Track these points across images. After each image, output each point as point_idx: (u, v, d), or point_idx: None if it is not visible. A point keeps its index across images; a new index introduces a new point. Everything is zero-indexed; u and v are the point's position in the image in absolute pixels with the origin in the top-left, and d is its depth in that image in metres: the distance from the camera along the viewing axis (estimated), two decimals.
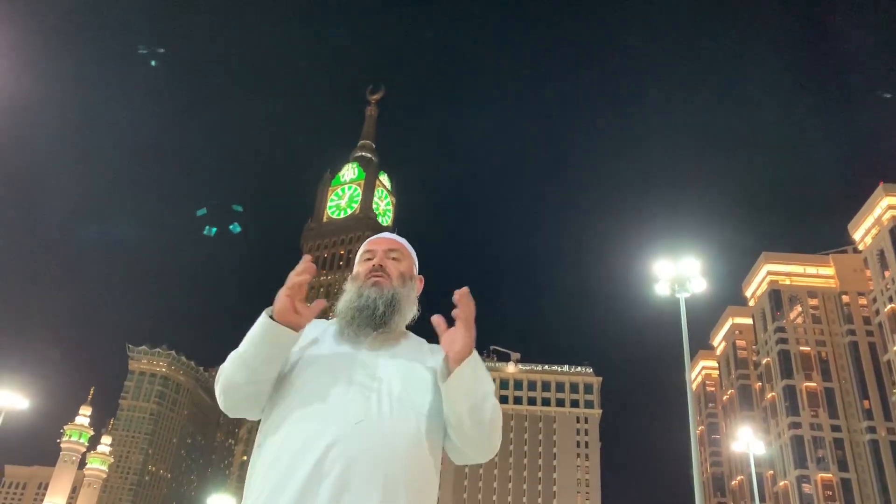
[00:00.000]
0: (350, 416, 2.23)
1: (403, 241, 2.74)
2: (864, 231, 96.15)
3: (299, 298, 2.29)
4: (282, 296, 2.27)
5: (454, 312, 2.27)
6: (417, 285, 2.68)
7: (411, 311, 2.58)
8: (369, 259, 2.63)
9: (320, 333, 2.54)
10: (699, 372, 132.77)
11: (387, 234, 2.74)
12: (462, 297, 2.27)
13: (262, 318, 2.28)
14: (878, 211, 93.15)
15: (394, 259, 2.62)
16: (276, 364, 2.33)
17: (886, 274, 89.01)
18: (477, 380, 2.29)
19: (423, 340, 2.65)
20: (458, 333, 2.27)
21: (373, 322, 2.45)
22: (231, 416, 2.54)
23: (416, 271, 2.71)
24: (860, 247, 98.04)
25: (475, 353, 2.29)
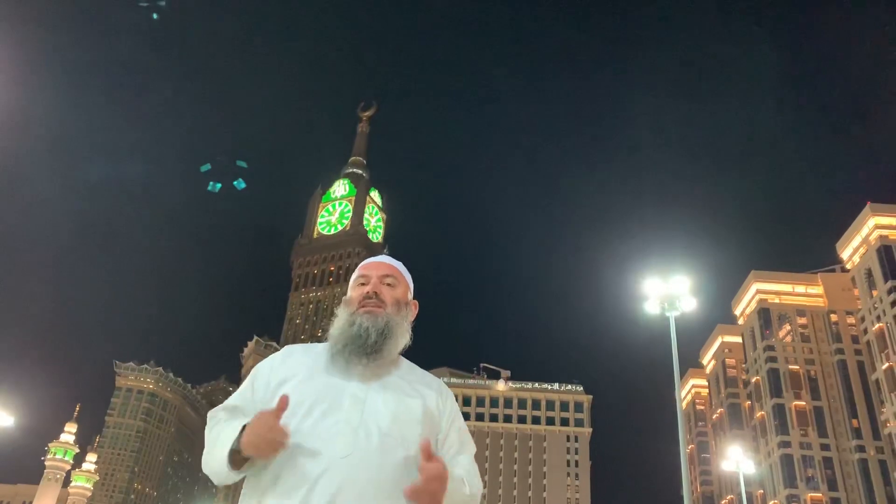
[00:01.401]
0: (338, 450, 2.22)
1: (399, 265, 2.69)
2: (851, 250, 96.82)
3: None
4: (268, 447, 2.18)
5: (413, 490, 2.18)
6: (412, 311, 2.64)
7: (404, 337, 2.53)
8: (363, 284, 2.58)
9: (311, 361, 2.49)
10: (689, 390, 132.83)
11: (383, 258, 2.69)
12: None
13: (227, 469, 2.22)
14: (865, 230, 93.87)
15: (389, 285, 2.57)
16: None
17: (874, 293, 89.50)
18: None
19: (416, 367, 2.62)
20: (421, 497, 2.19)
21: (364, 350, 2.41)
22: None
23: (411, 296, 2.67)
24: (848, 266, 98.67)
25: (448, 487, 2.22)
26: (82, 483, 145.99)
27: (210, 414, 2.42)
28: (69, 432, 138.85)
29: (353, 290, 2.60)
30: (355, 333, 2.42)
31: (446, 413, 2.51)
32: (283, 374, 2.45)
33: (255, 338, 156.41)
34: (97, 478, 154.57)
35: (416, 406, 2.40)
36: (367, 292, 2.52)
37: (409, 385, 2.48)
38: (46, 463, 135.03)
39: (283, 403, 2.19)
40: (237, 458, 2.22)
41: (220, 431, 2.29)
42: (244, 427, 2.22)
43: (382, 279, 2.57)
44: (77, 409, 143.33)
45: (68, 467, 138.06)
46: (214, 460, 2.26)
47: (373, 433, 2.27)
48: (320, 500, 2.13)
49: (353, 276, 2.66)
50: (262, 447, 2.16)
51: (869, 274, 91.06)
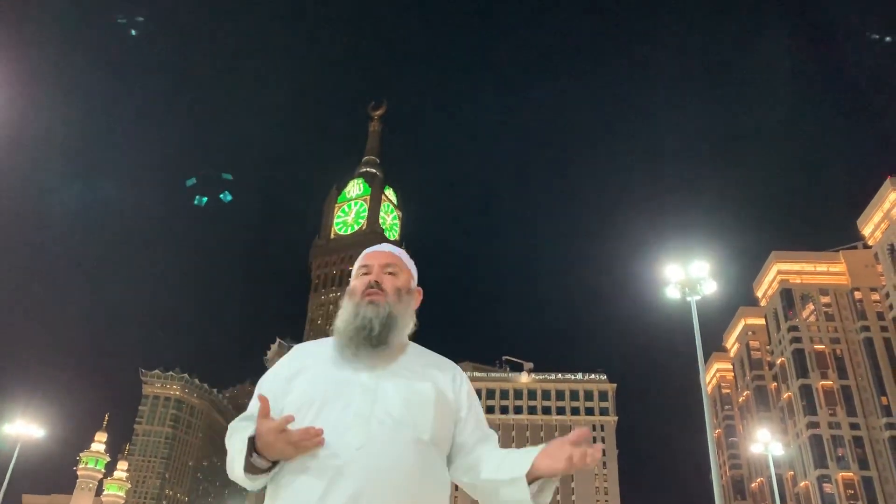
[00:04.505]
0: (352, 441, 2.21)
1: (401, 252, 2.68)
2: (873, 226, 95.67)
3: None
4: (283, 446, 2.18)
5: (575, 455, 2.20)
6: (416, 298, 2.62)
7: (409, 325, 2.53)
8: (366, 274, 2.57)
9: (318, 357, 2.49)
10: (714, 374, 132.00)
11: (384, 247, 2.68)
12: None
13: (246, 478, 2.23)
14: (886, 205, 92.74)
15: (390, 273, 2.56)
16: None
17: None
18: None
19: (426, 351, 2.61)
20: (574, 457, 2.19)
21: (370, 342, 2.40)
22: None
23: (414, 283, 2.65)
24: (870, 242, 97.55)
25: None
26: (114, 491, 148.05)
27: (230, 425, 2.43)
28: (99, 442, 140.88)
29: (355, 280, 2.59)
30: (360, 325, 2.42)
31: (464, 397, 2.49)
32: (290, 373, 2.46)
33: (278, 340, 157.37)
34: (129, 485, 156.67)
35: (427, 390, 2.38)
36: (370, 282, 2.53)
37: (420, 369, 2.47)
38: (79, 472, 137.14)
39: (264, 407, 2.20)
40: (258, 463, 2.21)
41: (234, 443, 2.29)
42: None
43: (384, 268, 2.56)
44: (106, 418, 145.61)
45: (100, 476, 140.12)
46: (234, 472, 2.28)
47: (385, 421, 2.26)
48: (342, 492, 2.13)
49: (356, 266, 2.64)
50: (277, 449, 2.17)
51: (892, 249, 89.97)
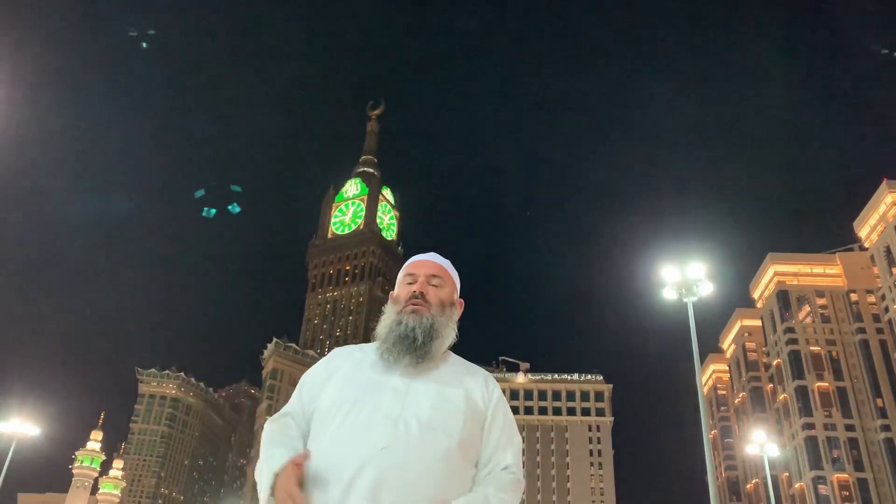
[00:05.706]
0: (376, 441, 2.24)
1: (447, 263, 2.71)
2: (869, 228, 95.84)
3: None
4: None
5: None
6: (458, 310, 2.66)
7: (450, 336, 2.56)
8: (411, 283, 2.60)
9: (356, 360, 2.54)
10: (710, 375, 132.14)
11: (430, 257, 2.71)
12: None
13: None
14: (882, 207, 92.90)
15: (435, 286, 2.59)
16: None
17: (894, 271, 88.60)
18: None
19: (462, 361, 2.64)
20: None
21: (412, 351, 2.44)
22: None
23: (457, 295, 2.70)
24: (866, 244, 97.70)
25: None
26: (110, 490, 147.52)
27: (266, 424, 2.47)
28: (95, 440, 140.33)
29: (400, 288, 2.63)
30: (402, 333, 2.45)
31: (492, 403, 2.51)
32: (328, 373, 2.52)
33: (275, 339, 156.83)
34: (124, 484, 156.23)
35: (457, 396, 2.41)
36: (414, 291, 2.56)
37: (453, 376, 2.50)
38: (74, 471, 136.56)
39: (301, 461, 2.21)
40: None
41: (267, 458, 2.31)
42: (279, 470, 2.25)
43: (429, 279, 2.60)
44: (101, 416, 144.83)
45: (95, 475, 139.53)
46: (260, 485, 2.30)
47: (412, 424, 2.28)
48: (362, 491, 2.16)
49: (401, 274, 2.68)
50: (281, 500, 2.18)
51: (888, 251, 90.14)
